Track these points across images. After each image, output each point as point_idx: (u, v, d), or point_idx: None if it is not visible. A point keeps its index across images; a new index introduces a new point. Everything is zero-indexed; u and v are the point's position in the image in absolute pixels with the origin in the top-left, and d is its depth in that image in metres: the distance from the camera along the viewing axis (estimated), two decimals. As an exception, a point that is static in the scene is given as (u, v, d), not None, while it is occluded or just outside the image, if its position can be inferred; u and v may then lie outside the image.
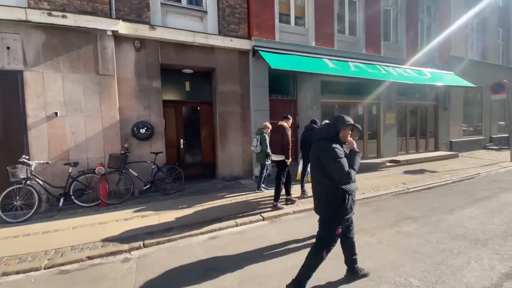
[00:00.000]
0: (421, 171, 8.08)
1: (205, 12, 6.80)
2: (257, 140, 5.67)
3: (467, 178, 7.24)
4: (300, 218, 4.54)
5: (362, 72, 7.92)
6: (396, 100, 9.97)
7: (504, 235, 3.58)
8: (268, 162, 5.75)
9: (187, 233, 3.89)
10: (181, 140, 7.11)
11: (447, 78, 10.18)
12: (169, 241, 3.74)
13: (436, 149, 11.32)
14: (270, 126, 5.80)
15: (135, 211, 4.84)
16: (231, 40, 6.82)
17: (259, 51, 6.85)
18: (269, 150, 5.44)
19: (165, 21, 6.39)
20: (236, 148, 7.16)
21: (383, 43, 9.46)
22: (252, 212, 4.69)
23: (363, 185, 6.31)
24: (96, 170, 5.26)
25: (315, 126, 5.27)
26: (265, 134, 5.59)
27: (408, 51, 10.06)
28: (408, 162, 9.18)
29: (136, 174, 5.71)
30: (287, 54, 7.38)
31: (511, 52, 14.26)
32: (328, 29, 8.24)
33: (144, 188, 5.82)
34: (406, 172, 8.04)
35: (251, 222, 4.38)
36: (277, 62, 6.66)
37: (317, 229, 2.52)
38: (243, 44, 6.97)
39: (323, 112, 8.45)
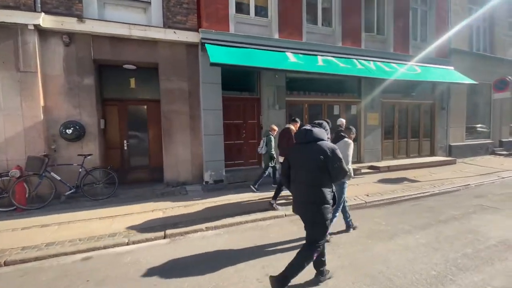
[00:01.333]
0: (400, 180, 7.07)
1: (149, 3, 6.26)
2: (263, 142, 6.06)
3: (449, 191, 6.19)
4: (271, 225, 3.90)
5: (330, 67, 7.02)
6: (381, 98, 8.92)
7: (427, 283, 2.64)
8: (272, 164, 6.01)
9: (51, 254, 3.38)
10: (125, 142, 6.65)
11: (442, 74, 8.95)
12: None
13: (433, 153, 10.08)
14: (276, 128, 6.16)
15: (37, 219, 4.43)
16: (175, 32, 6.23)
17: (205, 44, 6.21)
18: (273, 152, 5.88)
19: (102, 14, 5.93)
20: (184, 151, 6.59)
21: (365, 34, 8.43)
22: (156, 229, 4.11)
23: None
24: (9, 173, 4.92)
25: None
26: (271, 136, 5.95)
27: (396, 44, 8.94)
28: (389, 169, 8.15)
29: (59, 178, 5.31)
30: (244, 47, 6.69)
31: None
32: (295, 19, 7.41)
33: (68, 193, 5.41)
34: (382, 181, 7.06)
35: (147, 240, 3.79)
36: (223, 56, 5.99)
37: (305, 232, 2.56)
38: (190, 37, 6.36)
39: (289, 112, 7.67)
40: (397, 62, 8.72)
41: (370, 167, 8.20)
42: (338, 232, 3.86)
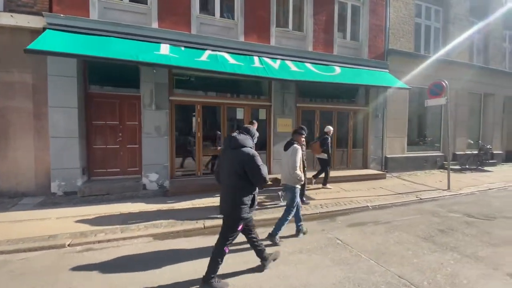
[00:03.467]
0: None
1: (-15, -19, 5.35)
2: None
3: (327, 214, 5.08)
4: None
5: (213, 63, 6.00)
6: (297, 102, 7.88)
7: None
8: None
9: None
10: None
11: (369, 77, 7.90)
12: None
13: (365, 166, 8.98)
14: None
15: None
16: (12, 16, 5.28)
17: (48, 30, 5.25)
18: None
19: None
20: (26, 156, 5.56)
21: (276, 29, 7.45)
22: None
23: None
24: None
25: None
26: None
27: (317, 42, 7.94)
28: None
29: None
30: (110, 36, 5.73)
31: (489, 49, 11.43)
32: (182, 8, 6.45)
33: None
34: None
35: None
36: (65, 44, 5.00)
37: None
38: (33, 22, 5.39)
39: (175, 113, 6.66)
40: (317, 62, 7.72)
41: (275, 180, 7.10)
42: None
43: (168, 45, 6.12)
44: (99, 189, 5.82)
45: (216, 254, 2.64)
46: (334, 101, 8.62)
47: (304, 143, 4.54)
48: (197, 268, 2.89)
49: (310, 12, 7.79)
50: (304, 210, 4.75)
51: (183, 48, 6.24)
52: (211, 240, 3.40)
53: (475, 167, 10.13)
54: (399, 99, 9.21)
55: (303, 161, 4.52)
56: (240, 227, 2.69)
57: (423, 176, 8.83)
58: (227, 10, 7.14)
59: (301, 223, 3.96)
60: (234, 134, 2.68)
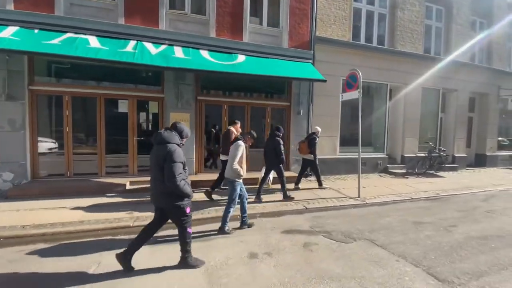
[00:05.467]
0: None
1: None
2: None
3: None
4: None
5: (59, 47, 5.19)
6: (198, 95, 7.00)
7: None
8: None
9: None
10: None
11: (279, 68, 6.92)
12: None
13: (286, 168, 7.97)
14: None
15: None
16: None
17: None
18: None
19: None
20: None
21: (169, 12, 6.60)
22: None
23: None
24: None
25: (278, 133, 5.67)
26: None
27: (222, 28, 7.03)
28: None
29: None
30: None
31: (451, 38, 10.14)
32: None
33: None
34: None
35: None
36: None
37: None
38: None
39: (37, 105, 5.91)
40: (221, 50, 6.82)
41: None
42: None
43: (17, 27, 5.37)
44: None
45: (183, 238, 2.88)
46: (248, 95, 7.70)
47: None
48: None
49: (213, -7, 6.89)
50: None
51: (36, 31, 5.49)
52: None
53: (422, 171, 8.94)
54: (333, 94, 8.17)
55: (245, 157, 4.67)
56: (188, 210, 2.86)
57: (351, 180, 7.76)
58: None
59: (246, 215, 4.13)
60: (161, 130, 2.82)
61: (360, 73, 6.18)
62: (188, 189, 2.76)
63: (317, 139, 6.67)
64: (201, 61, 6.18)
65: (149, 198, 3.01)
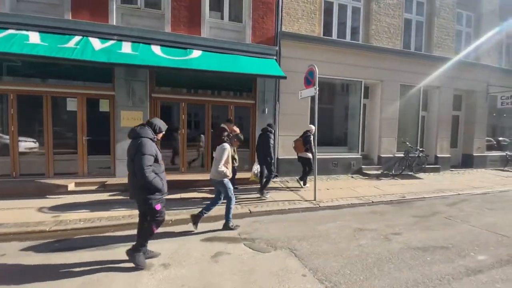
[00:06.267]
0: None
1: None
2: None
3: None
4: None
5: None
6: (152, 92, 6.73)
7: None
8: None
9: None
10: None
11: (236, 64, 6.59)
12: None
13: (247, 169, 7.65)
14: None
15: None
16: None
17: None
18: None
19: None
20: None
21: (121, 6, 6.35)
22: None
23: None
24: None
25: (270, 129, 5.96)
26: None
27: (178, 22, 6.74)
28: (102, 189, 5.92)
29: None
30: None
31: (433, 33, 9.62)
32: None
33: None
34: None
35: None
36: None
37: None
38: None
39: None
40: (176, 45, 6.54)
41: (101, 185, 5.98)
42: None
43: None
44: None
45: (144, 234, 2.95)
46: (209, 92, 7.38)
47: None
48: None
49: (168, -14, 6.60)
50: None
51: (-28, 26, 5.30)
52: None
53: (398, 172, 8.49)
54: (292, 91, 7.78)
55: (234, 158, 4.99)
56: (158, 206, 2.87)
57: (321, 182, 7.36)
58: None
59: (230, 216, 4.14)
60: (135, 127, 2.91)
61: (317, 69, 5.83)
62: (158, 183, 2.77)
63: (312, 137, 6.61)
64: (148, 57, 5.89)
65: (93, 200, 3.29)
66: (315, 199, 5.72)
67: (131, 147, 2.81)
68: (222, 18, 7.27)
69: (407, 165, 8.74)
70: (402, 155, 8.70)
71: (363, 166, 8.68)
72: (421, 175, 8.87)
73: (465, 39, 10.47)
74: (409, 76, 9.15)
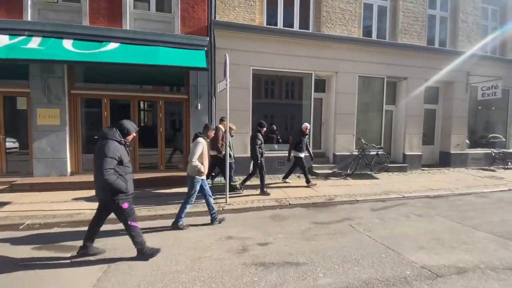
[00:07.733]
0: None
1: None
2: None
3: None
4: None
5: None
6: (71, 88, 6.49)
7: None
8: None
9: None
10: None
11: (155, 56, 6.19)
12: None
13: (181, 168, 7.26)
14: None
15: None
16: None
17: None
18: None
19: None
20: None
21: (36, 1, 6.16)
22: None
23: None
24: None
25: (259, 128, 6.12)
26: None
27: (96, 15, 6.45)
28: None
29: None
30: None
31: (398, 20, 8.70)
32: None
33: None
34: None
35: None
36: None
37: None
38: None
39: None
40: (94, 39, 6.24)
41: (13, 185, 5.82)
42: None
43: None
44: None
45: (129, 231, 2.98)
46: (136, 87, 7.05)
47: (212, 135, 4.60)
48: None
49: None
50: None
51: None
52: None
53: (351, 172, 7.77)
54: (242, 86, 7.30)
55: (207, 154, 4.70)
56: (125, 205, 2.89)
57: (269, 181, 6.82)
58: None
59: (215, 211, 4.20)
60: (104, 128, 2.82)
61: (228, 59, 5.30)
62: (121, 184, 2.78)
63: (306, 136, 6.75)
64: (54, 51, 5.62)
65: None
66: (226, 202, 5.22)
67: (96, 148, 2.82)
68: (149, 9, 6.90)
69: (364, 164, 7.99)
70: (357, 153, 7.96)
71: (313, 165, 8.00)
72: (381, 175, 8.09)
73: (438, 24, 9.45)
74: (370, 66, 8.35)
